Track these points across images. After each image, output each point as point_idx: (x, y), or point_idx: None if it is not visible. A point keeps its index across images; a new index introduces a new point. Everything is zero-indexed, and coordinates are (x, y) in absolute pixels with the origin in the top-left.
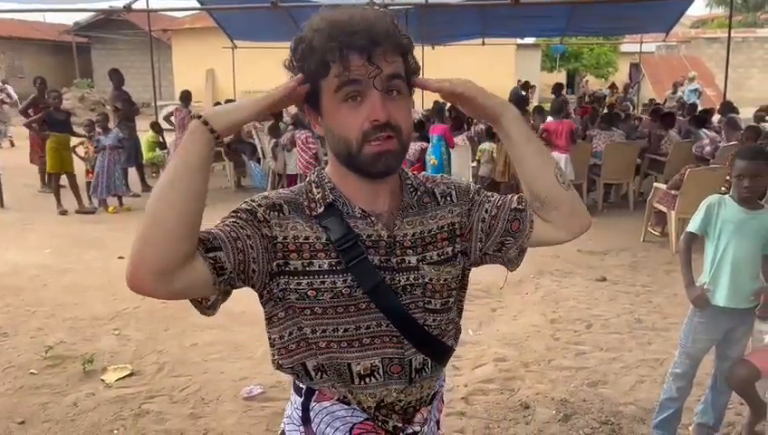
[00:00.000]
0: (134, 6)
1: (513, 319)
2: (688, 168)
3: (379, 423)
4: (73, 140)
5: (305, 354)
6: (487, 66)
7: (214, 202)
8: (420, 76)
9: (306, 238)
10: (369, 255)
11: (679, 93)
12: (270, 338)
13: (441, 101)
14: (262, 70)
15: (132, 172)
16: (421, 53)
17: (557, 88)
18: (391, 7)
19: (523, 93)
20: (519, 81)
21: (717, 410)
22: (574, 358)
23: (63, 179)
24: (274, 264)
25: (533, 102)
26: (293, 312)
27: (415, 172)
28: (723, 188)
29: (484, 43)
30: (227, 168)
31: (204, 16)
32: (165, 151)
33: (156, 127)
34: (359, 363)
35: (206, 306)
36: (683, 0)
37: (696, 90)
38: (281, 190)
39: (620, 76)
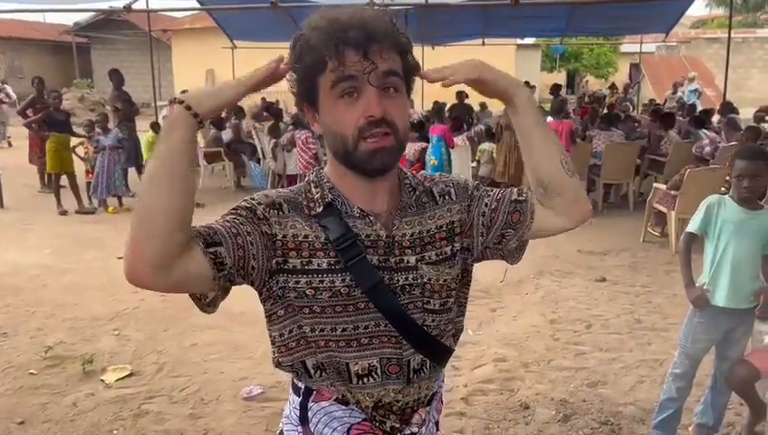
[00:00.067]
0: (134, 7)
1: (512, 319)
2: (688, 168)
3: (377, 424)
4: (73, 141)
5: (305, 352)
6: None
7: (214, 202)
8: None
9: (305, 237)
10: (367, 254)
11: (679, 94)
12: (270, 336)
13: (441, 101)
14: None
15: (132, 172)
16: (421, 53)
17: (555, 89)
18: (391, 7)
19: None
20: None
21: (717, 410)
22: (574, 358)
23: (63, 180)
24: (274, 261)
25: None
26: (293, 310)
27: (413, 172)
28: (722, 189)
29: (484, 44)
30: (227, 168)
31: (204, 16)
32: None
33: (156, 127)
34: (357, 363)
35: (206, 303)
36: (683, 0)
37: (695, 90)
38: (280, 189)
39: (620, 76)
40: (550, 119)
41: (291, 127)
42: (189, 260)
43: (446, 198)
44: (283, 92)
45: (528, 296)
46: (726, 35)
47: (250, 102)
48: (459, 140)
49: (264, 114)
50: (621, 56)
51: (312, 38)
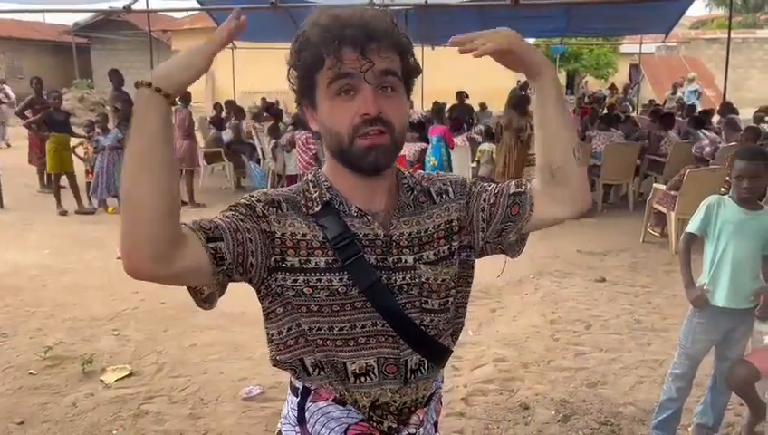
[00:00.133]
0: (134, 7)
1: (512, 320)
2: (688, 168)
3: (374, 424)
4: (73, 141)
5: (304, 350)
6: (487, 66)
7: (214, 202)
8: (422, 73)
9: (303, 236)
10: (365, 253)
11: (679, 94)
12: (268, 334)
13: (441, 101)
14: (261, 70)
15: None
16: (421, 53)
17: None
18: (391, 7)
19: (523, 93)
20: (519, 81)
21: (717, 410)
22: (574, 359)
23: (63, 180)
24: (272, 259)
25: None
26: (291, 308)
27: (412, 172)
28: (722, 189)
29: None
30: (227, 168)
31: (204, 17)
32: None
33: None
34: (354, 362)
35: (203, 299)
36: (683, 1)
37: (695, 90)
38: (279, 188)
39: (620, 77)
40: None
41: (290, 127)
42: (190, 253)
43: (444, 196)
44: (283, 93)
45: (528, 297)
46: (726, 36)
47: (250, 103)
48: (459, 140)
49: (264, 114)
50: (621, 57)
51: (312, 35)
